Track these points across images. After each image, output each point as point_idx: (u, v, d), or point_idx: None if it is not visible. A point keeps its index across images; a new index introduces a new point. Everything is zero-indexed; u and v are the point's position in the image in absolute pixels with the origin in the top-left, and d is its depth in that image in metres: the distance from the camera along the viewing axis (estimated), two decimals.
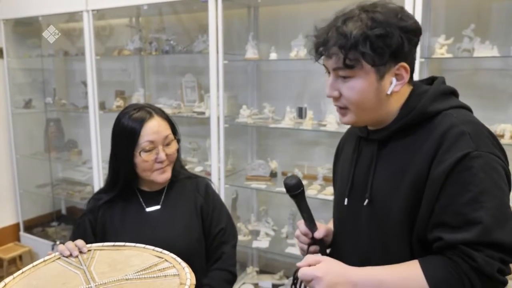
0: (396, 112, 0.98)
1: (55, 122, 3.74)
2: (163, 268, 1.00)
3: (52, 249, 3.36)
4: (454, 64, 2.19)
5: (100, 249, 1.13)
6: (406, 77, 0.95)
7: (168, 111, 2.81)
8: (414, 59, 0.97)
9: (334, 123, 2.36)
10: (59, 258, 1.10)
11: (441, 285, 0.87)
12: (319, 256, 0.99)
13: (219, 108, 2.52)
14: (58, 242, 3.28)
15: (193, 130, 3.06)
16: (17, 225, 3.75)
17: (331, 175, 2.54)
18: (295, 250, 2.50)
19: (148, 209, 1.38)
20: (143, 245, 1.14)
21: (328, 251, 1.17)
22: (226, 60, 2.49)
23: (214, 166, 2.59)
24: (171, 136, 1.35)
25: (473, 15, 2.10)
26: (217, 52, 2.45)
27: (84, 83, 3.19)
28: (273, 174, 2.68)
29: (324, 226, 1.17)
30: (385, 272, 0.92)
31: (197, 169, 2.83)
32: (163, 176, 1.35)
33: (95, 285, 0.93)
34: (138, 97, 3.17)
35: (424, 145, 0.92)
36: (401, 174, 0.94)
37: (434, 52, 2.06)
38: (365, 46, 0.89)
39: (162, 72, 3.32)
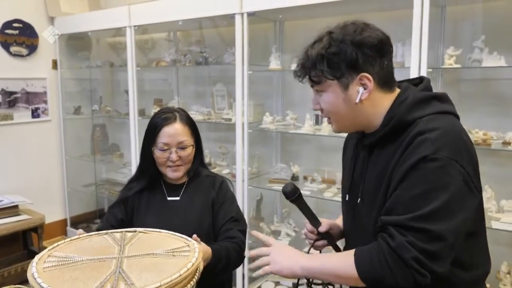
0: (382, 118, 1.06)
1: (101, 127, 4.10)
2: (184, 250, 1.11)
3: None
4: (466, 74, 2.27)
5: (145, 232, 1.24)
6: (370, 85, 1.03)
7: (199, 117, 3.08)
8: (382, 68, 1.03)
9: None
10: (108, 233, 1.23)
11: (366, 269, 0.95)
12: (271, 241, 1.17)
13: (244, 115, 2.71)
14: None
15: (223, 135, 3.28)
16: (65, 220, 4.11)
17: None
18: (315, 251, 2.61)
19: (169, 198, 1.59)
20: (178, 234, 1.22)
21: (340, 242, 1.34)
22: (251, 70, 2.68)
23: (238, 169, 2.78)
24: (187, 142, 1.54)
25: (482, 27, 2.18)
26: (243, 63, 2.66)
27: (127, 92, 3.49)
28: (294, 178, 2.83)
29: (327, 221, 1.31)
30: (327, 260, 1.04)
31: (224, 172, 3.03)
32: (175, 174, 1.55)
33: (123, 257, 1.05)
34: (173, 105, 3.41)
35: (397, 152, 1.00)
36: (381, 178, 1.04)
37: (444, 63, 2.15)
38: (322, 64, 1.02)
39: (196, 81, 3.57)
